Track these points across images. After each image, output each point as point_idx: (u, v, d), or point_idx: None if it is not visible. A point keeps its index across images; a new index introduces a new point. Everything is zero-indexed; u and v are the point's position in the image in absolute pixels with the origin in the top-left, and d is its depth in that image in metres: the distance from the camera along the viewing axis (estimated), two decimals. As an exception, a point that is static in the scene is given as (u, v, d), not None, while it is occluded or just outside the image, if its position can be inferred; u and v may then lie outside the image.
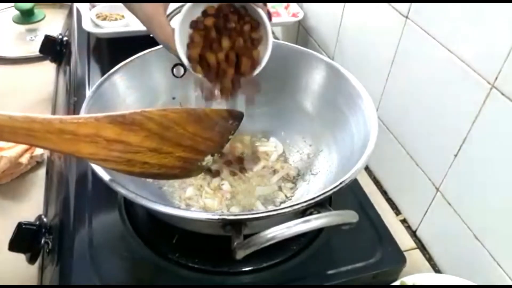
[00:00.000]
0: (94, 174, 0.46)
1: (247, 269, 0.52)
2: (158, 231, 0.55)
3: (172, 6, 0.69)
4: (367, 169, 0.78)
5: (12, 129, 0.37)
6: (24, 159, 0.77)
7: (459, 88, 0.54)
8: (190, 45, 0.53)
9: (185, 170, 0.52)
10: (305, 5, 0.95)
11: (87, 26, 0.85)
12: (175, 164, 0.50)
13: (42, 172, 0.78)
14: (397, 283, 0.51)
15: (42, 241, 0.57)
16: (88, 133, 0.41)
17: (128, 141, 0.44)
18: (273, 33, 1.14)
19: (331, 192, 0.44)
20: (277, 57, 0.67)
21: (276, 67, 0.67)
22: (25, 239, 0.57)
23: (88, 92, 0.56)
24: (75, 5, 0.99)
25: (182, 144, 0.49)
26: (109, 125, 0.42)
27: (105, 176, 0.45)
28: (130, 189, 0.44)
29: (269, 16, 0.53)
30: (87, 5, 0.92)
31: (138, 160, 0.46)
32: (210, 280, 0.51)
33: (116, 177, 0.45)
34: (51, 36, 0.98)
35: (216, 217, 0.42)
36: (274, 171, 0.64)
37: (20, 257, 0.57)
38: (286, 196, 0.61)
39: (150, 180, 0.60)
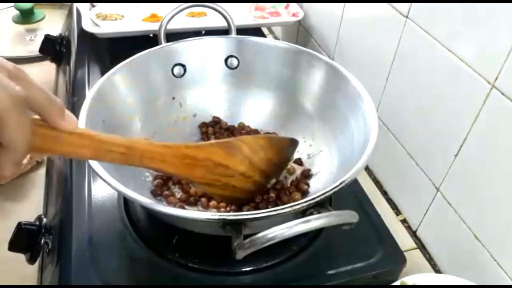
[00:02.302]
0: (94, 174, 0.46)
1: (247, 269, 0.52)
2: (158, 231, 0.55)
3: (172, 6, 0.69)
4: (367, 169, 0.78)
5: (150, 154, 0.41)
6: (24, 159, 0.76)
7: (459, 88, 0.54)
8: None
9: (252, 195, 0.54)
10: (305, 5, 0.95)
11: (87, 26, 0.85)
12: (250, 189, 0.52)
13: (42, 172, 0.78)
14: (397, 283, 0.51)
15: (42, 241, 0.57)
16: (203, 157, 0.45)
17: (228, 165, 0.47)
18: (273, 32, 1.15)
19: (331, 192, 0.44)
20: (277, 57, 0.67)
21: (276, 67, 0.68)
22: (25, 239, 0.57)
23: (88, 92, 0.56)
24: (75, 5, 0.99)
25: (261, 169, 0.51)
26: (219, 150, 0.46)
27: (105, 175, 0.45)
28: (130, 189, 0.44)
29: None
30: (87, 5, 0.92)
31: (231, 184, 0.49)
32: (210, 280, 0.51)
33: (116, 177, 0.45)
34: (51, 36, 0.98)
35: (216, 217, 0.42)
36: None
37: (20, 257, 0.57)
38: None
39: (150, 179, 0.60)
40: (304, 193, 0.58)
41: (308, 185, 0.59)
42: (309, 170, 0.62)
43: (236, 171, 0.48)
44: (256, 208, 0.55)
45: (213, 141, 0.47)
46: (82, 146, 0.35)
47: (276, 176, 0.58)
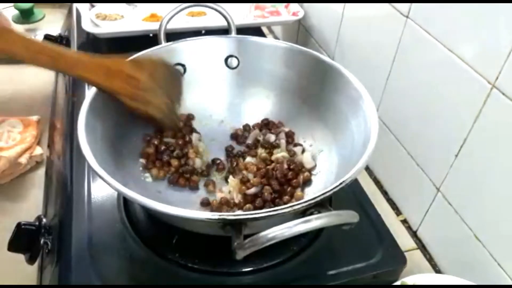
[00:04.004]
0: (94, 174, 0.46)
1: (247, 269, 0.52)
2: (158, 231, 0.55)
3: (172, 6, 0.69)
4: (367, 169, 0.78)
5: (75, 61, 0.50)
6: (23, 159, 0.76)
7: (460, 88, 0.54)
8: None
9: (168, 119, 0.62)
10: (305, 4, 0.95)
11: (87, 26, 0.85)
12: (163, 108, 0.60)
13: (41, 172, 0.78)
14: (397, 283, 0.51)
15: (42, 241, 0.57)
16: (117, 69, 0.53)
17: (138, 77, 0.54)
18: (272, 32, 1.15)
19: (331, 192, 0.44)
20: (277, 56, 0.67)
21: (276, 67, 0.68)
22: (24, 239, 0.56)
23: (88, 92, 0.56)
24: (75, 5, 0.98)
25: (161, 85, 0.58)
26: (127, 63, 0.55)
27: (105, 175, 0.45)
28: (130, 189, 0.44)
29: None
30: (87, 5, 0.92)
31: (148, 99, 0.56)
32: (210, 280, 0.51)
33: (116, 177, 0.45)
34: (50, 36, 0.97)
35: (216, 217, 0.42)
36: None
37: (20, 257, 0.56)
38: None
39: (150, 180, 0.60)
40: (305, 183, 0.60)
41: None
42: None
43: (146, 84, 0.56)
44: (256, 208, 0.55)
45: (122, 56, 0.56)
46: (15, 44, 0.43)
47: (177, 101, 0.64)
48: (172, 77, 0.62)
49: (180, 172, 0.61)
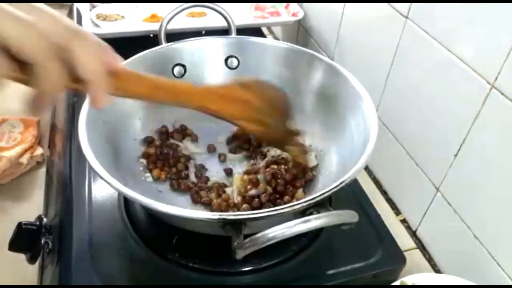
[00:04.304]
0: (95, 173, 0.46)
1: (247, 269, 0.52)
2: (158, 231, 0.55)
3: (172, 6, 0.69)
4: (367, 169, 0.78)
5: (191, 93, 0.48)
6: (24, 159, 0.77)
7: (459, 88, 0.54)
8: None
9: (283, 134, 0.59)
10: (305, 4, 0.95)
11: (87, 26, 0.85)
12: (278, 126, 0.57)
13: (42, 172, 0.78)
14: (397, 283, 0.51)
15: (42, 241, 0.57)
16: (230, 95, 0.51)
17: (252, 100, 0.53)
18: (272, 33, 1.15)
19: (331, 192, 0.44)
20: (277, 57, 0.67)
21: (276, 67, 0.68)
22: (25, 239, 0.57)
23: (88, 92, 0.56)
24: (75, 5, 0.99)
25: (272, 103, 0.55)
26: (237, 86, 0.52)
27: (105, 175, 0.45)
28: (130, 189, 0.44)
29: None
30: (87, 5, 0.92)
31: (265, 121, 0.55)
32: (210, 280, 0.51)
33: (116, 177, 0.45)
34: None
35: (216, 217, 0.42)
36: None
37: (20, 257, 0.57)
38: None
39: (150, 180, 0.60)
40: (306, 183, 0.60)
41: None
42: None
43: (259, 105, 0.53)
44: (254, 208, 0.56)
45: (231, 82, 0.54)
46: (141, 85, 0.43)
47: (290, 117, 0.60)
48: (280, 96, 0.58)
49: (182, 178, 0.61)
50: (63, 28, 0.34)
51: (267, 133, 0.56)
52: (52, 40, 0.32)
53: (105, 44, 0.38)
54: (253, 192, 0.57)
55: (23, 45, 0.30)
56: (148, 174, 0.61)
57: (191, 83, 0.49)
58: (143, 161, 0.61)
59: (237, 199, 0.58)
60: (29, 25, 0.31)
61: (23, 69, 0.32)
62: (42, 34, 0.31)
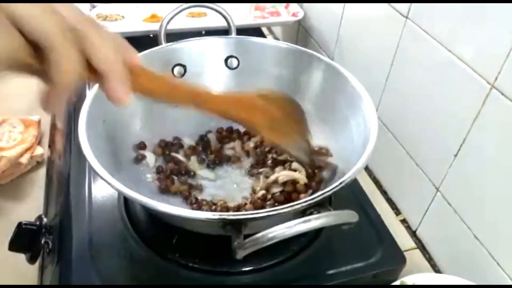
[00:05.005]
0: (94, 174, 0.46)
1: (247, 269, 0.52)
2: (158, 231, 0.55)
3: (172, 6, 0.69)
4: (367, 169, 0.78)
5: (213, 100, 0.45)
6: (24, 159, 0.76)
7: (459, 88, 0.54)
8: None
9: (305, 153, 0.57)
10: (305, 4, 0.95)
11: (87, 26, 0.85)
12: (301, 142, 0.56)
13: (42, 172, 0.78)
14: (397, 283, 0.51)
15: (42, 241, 0.57)
16: (250, 103, 0.49)
17: (272, 110, 0.51)
18: (272, 33, 1.15)
19: (331, 192, 0.44)
20: (277, 57, 0.67)
21: (276, 68, 0.68)
22: (25, 239, 0.57)
23: (88, 92, 0.56)
24: (76, 5, 0.99)
25: (290, 113, 0.54)
26: (257, 96, 0.50)
27: (105, 175, 0.45)
28: (130, 189, 0.44)
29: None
30: (87, 5, 0.92)
31: (285, 131, 0.53)
32: (210, 280, 0.51)
33: (116, 177, 0.45)
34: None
35: (216, 217, 0.42)
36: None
37: (20, 257, 0.57)
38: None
39: (150, 180, 0.60)
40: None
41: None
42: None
43: (279, 115, 0.51)
44: (257, 207, 0.56)
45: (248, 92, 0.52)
46: (160, 83, 0.40)
47: (308, 132, 0.58)
48: (298, 109, 0.57)
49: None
50: (80, 14, 0.31)
51: (291, 145, 0.54)
52: (69, 23, 0.30)
53: (123, 39, 0.36)
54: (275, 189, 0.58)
55: (38, 25, 0.28)
56: (148, 175, 0.60)
57: (205, 87, 0.47)
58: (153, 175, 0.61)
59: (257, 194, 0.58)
60: (44, 4, 0.28)
61: (37, 57, 0.29)
62: (58, 15, 0.29)
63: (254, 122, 0.49)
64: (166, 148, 0.65)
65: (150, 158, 0.62)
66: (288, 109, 0.53)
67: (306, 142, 0.56)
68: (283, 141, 0.53)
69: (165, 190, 0.59)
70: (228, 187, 0.62)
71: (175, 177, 0.61)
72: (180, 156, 0.64)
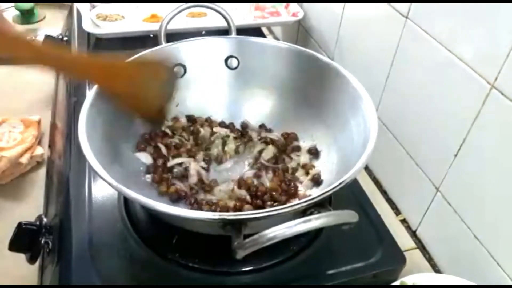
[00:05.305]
0: (95, 173, 0.46)
1: (247, 269, 0.52)
2: (158, 231, 0.55)
3: (172, 6, 0.69)
4: (367, 169, 0.78)
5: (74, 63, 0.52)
6: (24, 159, 0.77)
7: (459, 88, 0.54)
8: None
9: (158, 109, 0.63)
10: (305, 5, 0.95)
11: (87, 26, 0.85)
12: (156, 109, 0.62)
13: (42, 172, 0.78)
14: (397, 283, 0.51)
15: (42, 241, 0.57)
16: (116, 70, 0.55)
17: (138, 78, 0.56)
18: (272, 33, 1.15)
19: (331, 192, 0.44)
20: (277, 57, 0.67)
21: (276, 67, 0.68)
22: (25, 239, 0.57)
23: (88, 92, 0.56)
24: (76, 5, 0.99)
25: (161, 90, 0.60)
26: (127, 63, 0.56)
27: (105, 175, 0.45)
28: (130, 189, 0.44)
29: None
30: (87, 5, 0.92)
31: (143, 99, 0.58)
32: (210, 280, 0.51)
33: (116, 177, 0.45)
34: (51, 36, 0.98)
35: (216, 217, 0.42)
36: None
37: (20, 257, 0.57)
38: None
39: (149, 180, 0.60)
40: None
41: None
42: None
43: (144, 84, 0.57)
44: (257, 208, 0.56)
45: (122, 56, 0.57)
46: (17, 45, 0.44)
47: (169, 101, 0.65)
48: (170, 78, 0.64)
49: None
50: None
51: (139, 106, 0.59)
52: None
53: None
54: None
55: None
56: (148, 176, 0.60)
57: (79, 52, 0.54)
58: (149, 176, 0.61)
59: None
60: None
61: None
62: None
63: (110, 89, 0.55)
64: (152, 140, 0.64)
65: (148, 158, 0.62)
66: (162, 76, 0.60)
67: (164, 106, 0.63)
68: (138, 107, 0.59)
69: (163, 193, 0.59)
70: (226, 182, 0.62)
71: (173, 178, 0.61)
72: (162, 147, 0.64)
